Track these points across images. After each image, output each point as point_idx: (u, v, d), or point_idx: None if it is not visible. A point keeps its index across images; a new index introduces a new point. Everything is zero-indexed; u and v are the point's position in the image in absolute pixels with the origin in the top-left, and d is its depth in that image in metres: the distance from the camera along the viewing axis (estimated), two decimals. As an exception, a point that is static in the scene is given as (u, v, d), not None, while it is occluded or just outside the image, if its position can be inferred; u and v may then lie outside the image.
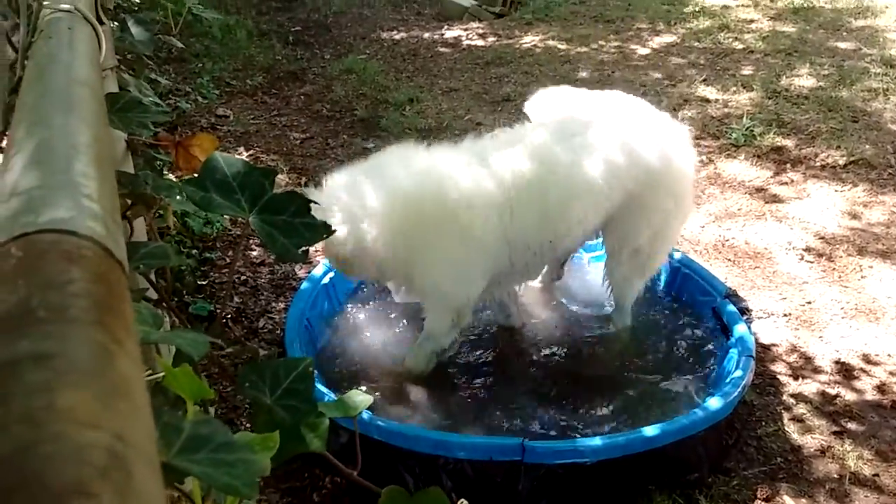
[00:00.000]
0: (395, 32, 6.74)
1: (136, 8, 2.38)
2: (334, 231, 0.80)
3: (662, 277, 3.22)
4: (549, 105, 2.90)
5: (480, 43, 6.49)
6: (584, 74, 5.69)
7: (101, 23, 1.28)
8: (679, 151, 2.71)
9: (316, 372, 2.38)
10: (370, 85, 5.52)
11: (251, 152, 4.54)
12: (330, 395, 2.27)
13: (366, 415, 2.38)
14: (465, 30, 6.75)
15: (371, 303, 3.17)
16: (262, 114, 5.13)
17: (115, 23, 1.64)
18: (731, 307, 2.88)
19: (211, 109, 5.09)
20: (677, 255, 3.21)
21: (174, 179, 1.66)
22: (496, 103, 5.29)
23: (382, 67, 5.90)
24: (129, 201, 0.89)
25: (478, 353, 2.91)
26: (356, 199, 2.34)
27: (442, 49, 6.31)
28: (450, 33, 6.66)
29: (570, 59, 6.00)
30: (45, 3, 0.87)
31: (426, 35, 6.64)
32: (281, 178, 4.23)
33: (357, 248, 2.31)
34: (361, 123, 5.00)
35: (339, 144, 4.72)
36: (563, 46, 6.25)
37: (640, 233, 2.72)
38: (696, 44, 6.10)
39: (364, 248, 2.32)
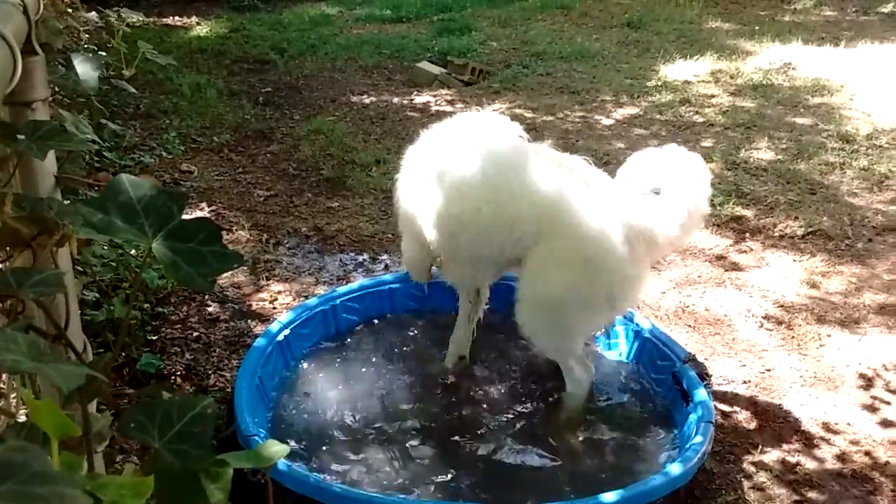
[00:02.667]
0: (364, 96, 6.78)
1: (95, 49, 2.34)
2: (247, 262, 0.73)
3: (624, 341, 3.18)
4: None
5: (449, 109, 6.53)
6: (549, 142, 5.72)
7: (34, 53, 1.23)
8: (601, 216, 2.56)
9: (263, 432, 2.28)
10: (337, 145, 5.50)
11: (213, 208, 4.47)
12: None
13: (313, 478, 2.28)
14: (434, 96, 6.81)
15: (328, 361, 3.08)
16: (227, 171, 5.07)
17: (61, 62, 1.59)
18: (691, 372, 2.83)
19: (175, 164, 5.02)
20: (637, 320, 3.17)
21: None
22: (462, 167, 5.28)
23: (350, 129, 5.90)
24: (37, 231, 0.82)
25: (435, 412, 2.82)
26: None
27: (410, 113, 6.34)
28: (419, 99, 6.72)
29: (535, 127, 6.05)
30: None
31: (395, 100, 6.68)
32: (242, 235, 4.16)
33: None
34: (327, 183, 4.96)
35: (304, 203, 4.67)
36: (529, 115, 6.31)
37: (550, 283, 2.60)
38: (658, 116, 6.20)
39: None
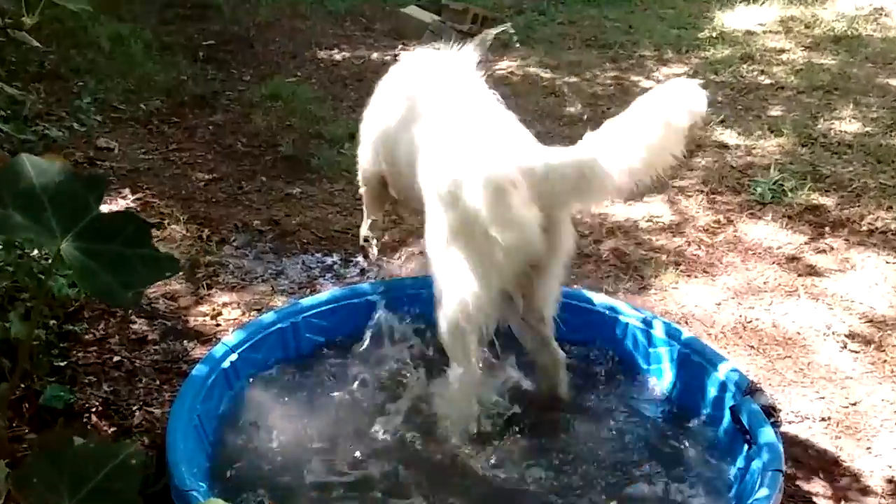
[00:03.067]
0: (335, 51, 6.79)
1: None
2: (183, 267, 0.73)
3: (668, 367, 3.19)
4: None
5: (443, 67, 6.53)
6: (573, 110, 5.75)
7: None
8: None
9: (204, 486, 2.29)
10: (300, 115, 5.51)
11: (139, 195, 4.47)
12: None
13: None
14: (425, 51, 6.82)
15: (286, 394, 3.08)
16: (158, 147, 5.08)
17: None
18: (755, 406, 2.83)
19: (90, 139, 5.02)
20: (686, 339, 3.17)
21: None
22: (460, 142, 5.29)
23: (317, 94, 5.91)
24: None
25: (419, 455, 2.83)
26: None
27: (394, 74, 6.35)
28: (405, 55, 6.72)
29: (555, 91, 6.07)
30: None
31: (375, 55, 6.69)
32: (177, 230, 4.16)
33: None
34: (286, 163, 4.97)
35: (256, 189, 4.67)
36: (547, 75, 6.33)
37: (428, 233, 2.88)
38: (713, 77, 6.21)
39: None
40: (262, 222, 4.32)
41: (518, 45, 6.90)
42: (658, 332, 3.22)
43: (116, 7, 7.13)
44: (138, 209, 4.30)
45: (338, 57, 6.68)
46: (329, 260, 4.05)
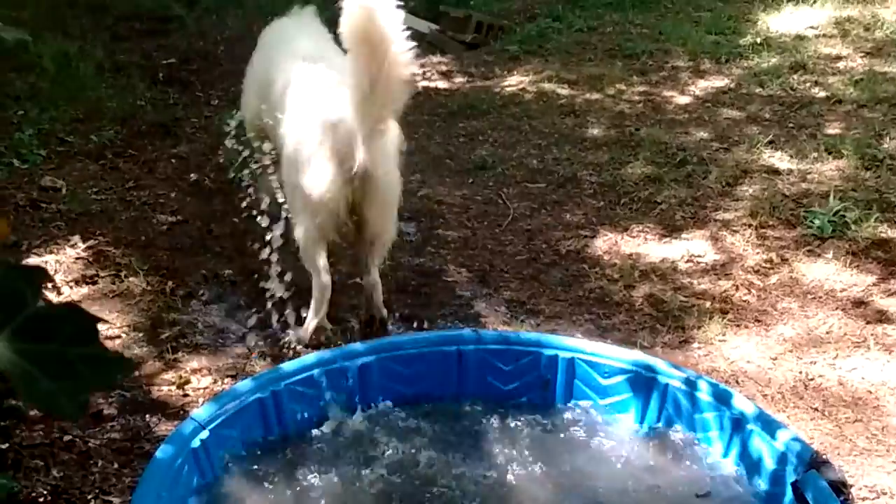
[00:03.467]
0: (317, 68, 6.80)
1: None
2: (134, 370, 0.71)
3: (716, 436, 3.16)
4: None
5: (443, 85, 6.57)
6: (595, 132, 5.76)
7: None
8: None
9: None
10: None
11: (91, 242, 4.46)
12: None
13: None
14: (422, 66, 6.85)
15: (266, 477, 3.05)
16: (112, 185, 5.08)
17: None
18: (822, 482, 2.80)
19: (33, 178, 5.03)
20: (737, 402, 3.14)
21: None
22: (465, 173, 5.29)
23: (297, 119, 5.91)
24: None
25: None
26: None
27: (386, 93, 6.37)
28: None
29: (574, 111, 6.08)
30: None
31: (364, 73, 6.70)
32: (135, 283, 4.15)
33: None
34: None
35: (227, 232, 4.66)
36: (564, 91, 6.34)
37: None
38: (759, 90, 6.23)
39: None
40: (236, 272, 4.30)
41: (530, 56, 6.93)
42: (704, 394, 3.19)
43: (60, 22, 7.17)
44: (90, 259, 4.29)
45: (321, 75, 6.69)
46: (315, 315, 4.03)
